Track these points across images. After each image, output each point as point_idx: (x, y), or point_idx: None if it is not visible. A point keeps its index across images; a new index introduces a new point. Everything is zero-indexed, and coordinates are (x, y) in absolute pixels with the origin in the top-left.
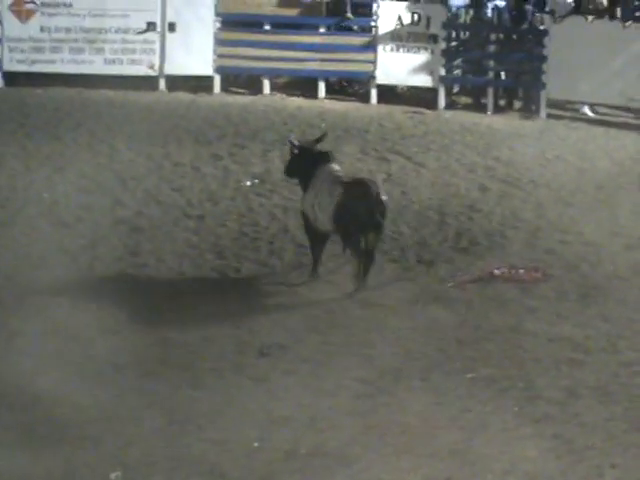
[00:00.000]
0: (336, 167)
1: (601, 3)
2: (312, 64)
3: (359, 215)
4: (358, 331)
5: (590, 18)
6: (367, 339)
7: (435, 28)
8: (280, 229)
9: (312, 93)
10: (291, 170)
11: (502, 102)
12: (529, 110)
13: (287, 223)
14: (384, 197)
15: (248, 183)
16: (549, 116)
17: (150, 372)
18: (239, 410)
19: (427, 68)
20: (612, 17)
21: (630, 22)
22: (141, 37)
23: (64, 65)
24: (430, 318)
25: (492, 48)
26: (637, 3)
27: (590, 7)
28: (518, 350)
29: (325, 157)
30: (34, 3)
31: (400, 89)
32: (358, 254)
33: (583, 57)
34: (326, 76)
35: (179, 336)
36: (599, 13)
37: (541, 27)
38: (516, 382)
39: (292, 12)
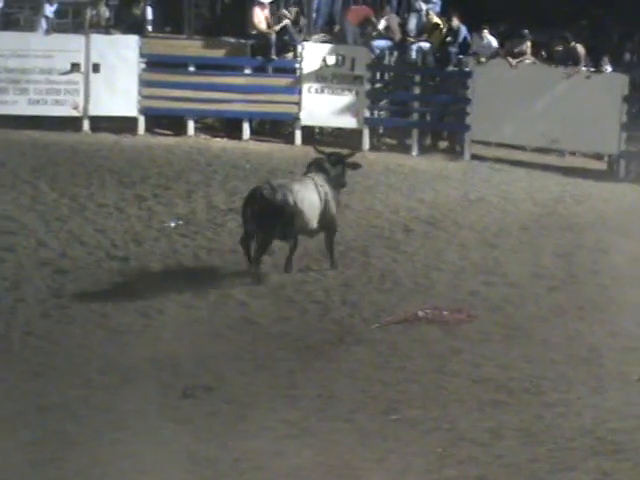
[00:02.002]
0: (304, 178)
1: (525, 45)
2: (237, 105)
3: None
4: (282, 372)
5: (513, 61)
6: (291, 380)
7: (360, 69)
8: (204, 270)
9: (237, 134)
10: None
11: (427, 143)
12: (453, 151)
13: (212, 264)
14: (278, 196)
15: (172, 224)
16: (473, 157)
17: (72, 414)
18: (162, 452)
19: (352, 109)
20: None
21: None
22: (65, 78)
23: None
24: (354, 359)
25: (416, 90)
26: (560, 48)
27: (514, 50)
28: (442, 391)
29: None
30: None
31: (317, 133)
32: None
33: (506, 99)
34: (251, 117)
35: (102, 378)
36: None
37: (465, 69)
38: (440, 423)
39: (217, 53)
